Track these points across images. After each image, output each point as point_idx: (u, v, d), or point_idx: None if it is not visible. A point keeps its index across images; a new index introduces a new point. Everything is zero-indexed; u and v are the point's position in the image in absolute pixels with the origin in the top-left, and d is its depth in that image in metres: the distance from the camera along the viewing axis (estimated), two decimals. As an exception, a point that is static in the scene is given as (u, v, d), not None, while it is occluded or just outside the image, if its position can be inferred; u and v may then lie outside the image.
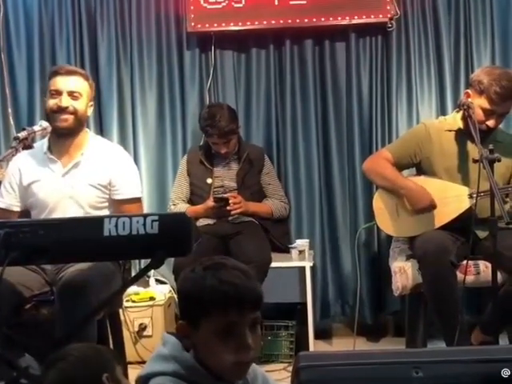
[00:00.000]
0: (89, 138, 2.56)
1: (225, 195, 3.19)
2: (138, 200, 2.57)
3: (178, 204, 3.32)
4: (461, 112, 2.78)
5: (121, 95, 3.55)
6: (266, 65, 3.53)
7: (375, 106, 3.46)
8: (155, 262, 1.78)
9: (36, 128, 2.22)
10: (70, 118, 2.44)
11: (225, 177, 3.31)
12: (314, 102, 3.51)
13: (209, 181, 3.29)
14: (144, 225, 1.72)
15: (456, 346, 2.34)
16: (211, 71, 3.53)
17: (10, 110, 3.50)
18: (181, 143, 3.58)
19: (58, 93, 2.44)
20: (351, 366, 1.67)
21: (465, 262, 2.54)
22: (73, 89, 2.46)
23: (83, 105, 2.48)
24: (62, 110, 2.42)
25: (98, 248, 1.74)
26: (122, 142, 3.49)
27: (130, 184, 2.54)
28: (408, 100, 3.47)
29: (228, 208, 3.12)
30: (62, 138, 2.48)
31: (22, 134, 2.08)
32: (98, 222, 1.72)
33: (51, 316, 2.26)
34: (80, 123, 2.49)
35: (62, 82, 2.45)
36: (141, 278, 1.93)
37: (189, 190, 3.35)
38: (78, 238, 1.72)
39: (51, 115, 2.44)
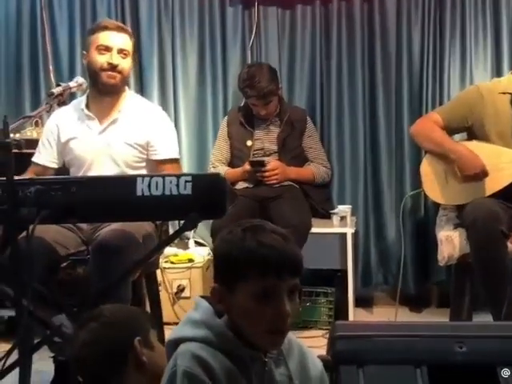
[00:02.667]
0: (127, 96, 2.51)
1: (261, 159, 3.11)
2: (176, 161, 2.52)
3: (218, 166, 3.26)
4: None
5: (162, 54, 3.48)
6: (312, 22, 3.39)
7: (426, 66, 3.29)
8: (188, 224, 1.73)
9: (71, 84, 2.16)
10: (118, 76, 2.39)
11: (265, 139, 3.22)
12: (361, 63, 3.37)
13: (249, 143, 3.21)
14: (177, 185, 1.67)
15: (503, 319, 2.24)
16: (254, 29, 3.42)
17: (51, 67, 3.49)
18: (221, 104, 3.50)
19: (108, 49, 2.38)
20: (389, 337, 1.60)
21: (516, 232, 2.41)
22: (123, 46, 2.40)
23: (129, 63, 2.44)
24: (112, 67, 2.37)
25: (129, 208, 1.70)
26: (163, 102, 3.44)
27: (169, 145, 2.49)
28: (461, 60, 3.28)
29: (264, 174, 3.04)
30: (102, 96, 2.43)
31: (57, 90, 2.03)
32: (131, 181, 1.68)
33: (86, 275, 2.25)
34: (125, 82, 2.47)
35: (113, 39, 2.39)
36: (174, 239, 1.89)
37: (229, 152, 3.28)
38: (109, 196, 1.69)
39: (99, 72, 2.39)
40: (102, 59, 2.38)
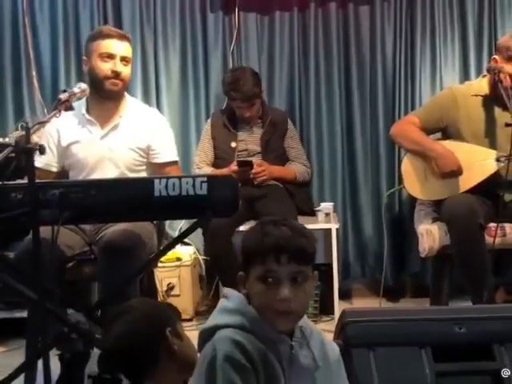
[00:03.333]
0: (127, 101, 2.57)
1: (248, 159, 3.22)
2: (175, 163, 2.60)
3: (203, 167, 3.35)
4: (487, 77, 2.81)
5: (144, 58, 3.54)
6: (290, 28, 3.53)
7: (399, 70, 3.48)
8: (203, 221, 1.84)
9: (76, 90, 2.21)
10: (120, 83, 2.45)
11: (249, 141, 3.33)
12: (338, 66, 3.52)
13: (233, 144, 3.31)
14: (193, 186, 1.77)
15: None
16: (234, 34, 3.53)
17: (34, 72, 3.50)
18: (204, 107, 3.59)
19: (111, 57, 2.43)
20: (396, 321, 1.75)
21: (491, 224, 2.60)
22: (125, 54, 2.46)
23: (130, 71, 2.51)
24: (116, 75, 2.42)
25: (148, 208, 1.79)
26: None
27: (169, 148, 2.58)
28: (432, 65, 3.49)
29: (252, 172, 3.15)
30: (104, 101, 2.49)
31: (64, 96, 2.08)
32: (149, 182, 1.77)
33: (92, 274, 2.32)
34: (126, 88, 2.53)
35: (116, 47, 2.44)
36: (187, 236, 1.98)
37: (213, 153, 3.37)
38: (129, 198, 1.77)
39: (102, 79, 2.43)
40: (105, 67, 2.43)
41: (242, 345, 1.33)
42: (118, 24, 3.48)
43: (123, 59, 2.46)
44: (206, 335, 1.41)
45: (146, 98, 3.53)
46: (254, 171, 3.14)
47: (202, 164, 3.37)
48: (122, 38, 2.47)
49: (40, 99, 3.51)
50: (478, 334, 1.70)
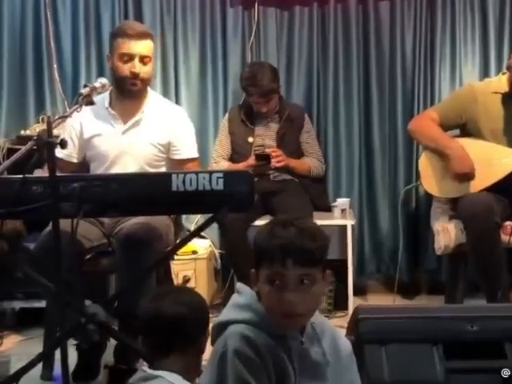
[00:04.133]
0: (150, 97, 2.58)
1: (266, 151, 3.23)
2: (195, 160, 2.61)
3: (220, 162, 3.38)
4: (506, 75, 2.80)
5: (164, 53, 3.57)
6: (309, 23, 3.53)
7: (418, 66, 3.47)
8: (219, 216, 1.87)
9: (97, 85, 2.24)
10: (140, 83, 2.45)
11: (265, 136, 3.35)
12: (357, 61, 3.52)
13: (250, 139, 3.33)
14: (210, 181, 1.80)
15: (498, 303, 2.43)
16: (254, 29, 3.54)
17: (55, 66, 3.55)
18: (222, 101, 3.62)
19: (130, 57, 2.43)
20: (408, 319, 1.77)
21: (507, 222, 2.60)
22: (144, 53, 2.45)
23: (151, 68, 2.50)
24: (135, 76, 2.43)
25: (166, 202, 1.83)
26: (165, 99, 3.53)
27: (189, 145, 2.59)
28: (451, 61, 3.47)
29: (271, 161, 3.15)
30: (126, 98, 2.51)
31: (86, 91, 2.12)
32: (167, 177, 1.81)
33: (110, 266, 2.36)
34: (147, 86, 2.52)
35: (134, 47, 2.43)
36: (203, 230, 2.01)
37: (230, 148, 3.40)
38: (147, 192, 1.81)
39: (122, 79, 2.45)
40: (124, 68, 2.44)
41: (252, 340, 1.35)
42: (139, 18, 3.52)
43: (142, 59, 2.45)
44: (218, 330, 1.43)
45: (165, 92, 3.56)
46: (273, 154, 3.15)
47: (220, 159, 3.40)
48: (142, 36, 2.45)
49: (61, 92, 3.56)
50: (489, 332, 1.71)
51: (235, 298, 1.48)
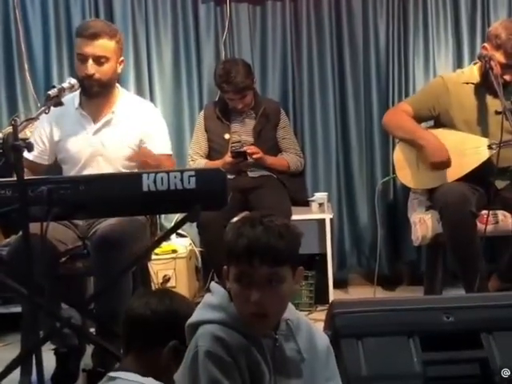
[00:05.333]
0: (119, 95, 2.55)
1: (242, 149, 3.22)
2: (168, 156, 2.56)
3: (197, 159, 3.36)
4: (478, 65, 2.81)
5: (136, 50, 3.54)
6: (282, 18, 3.52)
7: (392, 58, 3.47)
8: (192, 216, 1.85)
9: (65, 85, 2.21)
10: (95, 83, 2.40)
11: (242, 132, 3.34)
12: (331, 55, 3.51)
13: (226, 136, 3.31)
14: (181, 180, 1.78)
15: (476, 293, 2.44)
16: (226, 24, 3.52)
17: (26, 67, 3.50)
18: (197, 98, 3.59)
19: (84, 58, 2.39)
20: (384, 311, 1.76)
21: (483, 212, 2.61)
22: (99, 53, 2.39)
23: (110, 67, 2.43)
24: (88, 76, 2.39)
25: (137, 203, 1.81)
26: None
27: (161, 141, 2.54)
28: (425, 52, 3.48)
29: (247, 151, 3.14)
30: (93, 97, 2.47)
31: (53, 92, 2.09)
32: (137, 177, 1.78)
33: (86, 269, 2.34)
34: (108, 85, 2.46)
35: (87, 47, 2.38)
36: (177, 230, 1.99)
37: (207, 145, 3.38)
38: (118, 193, 1.79)
39: (81, 79, 2.39)
40: (81, 68, 2.41)
41: (223, 340, 1.34)
42: (109, 16, 3.49)
43: (98, 59, 2.39)
44: (191, 330, 1.42)
45: (139, 91, 3.53)
46: (249, 151, 3.14)
47: (196, 156, 3.38)
48: (95, 36, 2.38)
49: (33, 94, 3.52)
50: (465, 323, 1.72)
51: (207, 298, 1.46)
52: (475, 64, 2.86)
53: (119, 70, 2.52)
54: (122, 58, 2.51)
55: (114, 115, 2.49)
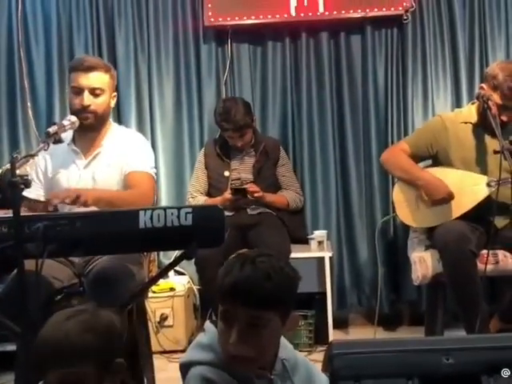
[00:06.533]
0: (111, 129, 2.55)
1: (242, 186, 3.23)
2: (146, 174, 2.47)
3: (197, 197, 3.37)
4: (476, 104, 2.83)
5: (138, 89, 3.59)
6: (282, 58, 3.58)
7: (391, 98, 3.51)
8: (189, 253, 1.83)
9: (65, 122, 2.23)
10: (91, 115, 2.42)
11: (241, 169, 3.35)
12: (330, 95, 3.55)
13: (226, 173, 3.33)
14: (178, 217, 1.76)
15: (477, 333, 2.39)
16: (227, 64, 3.57)
17: (29, 104, 3.55)
18: (198, 136, 3.62)
19: (80, 90, 2.42)
20: (383, 353, 1.72)
21: (483, 251, 2.59)
22: (94, 85, 2.42)
23: (105, 100, 2.46)
24: (84, 108, 2.41)
25: (133, 240, 1.78)
26: (140, 135, 3.53)
27: (139, 159, 2.48)
28: (423, 92, 3.51)
29: (248, 190, 3.15)
30: (85, 132, 2.48)
31: (53, 129, 2.10)
32: (134, 214, 1.77)
33: (81, 307, 2.30)
34: (103, 118, 2.48)
35: (83, 79, 2.42)
36: (174, 267, 1.97)
37: (207, 182, 3.39)
38: (114, 230, 1.76)
39: (75, 113, 2.41)
40: (75, 101, 2.42)
41: (213, 382, 1.32)
42: (112, 55, 3.55)
43: (93, 91, 2.42)
44: (184, 370, 1.40)
45: (141, 128, 3.57)
46: (249, 189, 3.14)
47: (196, 193, 3.39)
48: (91, 69, 2.42)
49: (35, 131, 3.56)
50: (465, 365, 1.66)
51: (199, 337, 1.45)
52: (473, 104, 2.89)
53: (112, 105, 2.54)
54: (114, 94, 2.54)
55: (102, 149, 2.49)
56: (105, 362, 1.29)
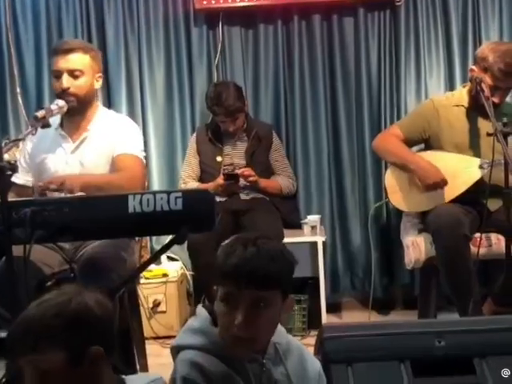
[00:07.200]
0: (98, 112, 2.51)
1: (234, 172, 3.21)
2: (135, 157, 2.43)
3: (189, 182, 3.34)
4: (467, 87, 2.82)
5: (129, 74, 3.54)
6: (274, 41, 3.53)
7: (384, 81, 3.48)
8: (179, 238, 1.81)
9: (53, 107, 2.21)
10: (73, 97, 2.38)
11: (234, 154, 3.33)
12: (323, 78, 3.52)
13: (218, 159, 3.30)
14: (168, 201, 1.74)
15: (470, 316, 2.40)
16: (219, 48, 3.53)
17: (18, 90, 3.50)
18: (189, 121, 3.59)
19: (59, 73, 2.39)
20: (374, 336, 1.72)
21: (476, 235, 2.58)
22: (73, 67, 2.38)
23: (86, 82, 2.42)
24: (63, 91, 2.37)
25: (123, 225, 1.76)
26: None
27: (128, 142, 2.44)
28: (416, 75, 3.49)
29: (240, 173, 3.13)
30: (72, 115, 2.44)
31: (40, 113, 2.07)
32: (123, 199, 1.75)
33: (72, 293, 2.28)
34: (86, 100, 2.44)
35: (61, 62, 2.39)
36: (164, 253, 1.96)
37: (199, 168, 3.37)
38: (103, 215, 1.75)
39: (58, 96, 2.39)
40: (56, 84, 2.40)
41: (201, 367, 1.31)
42: (102, 39, 3.51)
43: (72, 72, 2.39)
44: (174, 353, 1.40)
45: (132, 114, 3.53)
46: (242, 173, 3.12)
47: (189, 179, 3.36)
48: (68, 51, 2.39)
49: (25, 116, 3.51)
50: (458, 348, 1.67)
51: (190, 321, 1.44)
52: (465, 87, 2.87)
53: (97, 86, 2.50)
54: (99, 74, 2.50)
55: (89, 133, 2.46)
56: (76, 348, 1.21)
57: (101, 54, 2.58)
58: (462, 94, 2.85)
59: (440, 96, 3.10)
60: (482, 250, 2.60)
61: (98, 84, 2.51)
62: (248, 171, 3.16)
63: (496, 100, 2.64)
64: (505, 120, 2.30)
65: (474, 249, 2.54)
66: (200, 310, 1.44)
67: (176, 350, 1.39)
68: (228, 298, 1.31)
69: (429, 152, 2.84)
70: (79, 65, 2.41)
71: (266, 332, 1.36)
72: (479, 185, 2.63)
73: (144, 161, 2.51)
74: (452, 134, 2.79)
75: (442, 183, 2.69)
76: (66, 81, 2.38)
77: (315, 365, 1.50)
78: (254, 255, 1.31)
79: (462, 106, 2.81)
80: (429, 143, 2.88)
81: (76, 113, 2.44)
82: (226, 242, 1.40)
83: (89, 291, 1.33)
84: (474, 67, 2.71)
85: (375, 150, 3.00)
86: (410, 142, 2.88)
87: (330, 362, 1.65)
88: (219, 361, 1.32)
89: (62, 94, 2.38)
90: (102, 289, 2.02)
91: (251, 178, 3.15)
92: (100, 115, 2.52)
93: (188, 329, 1.42)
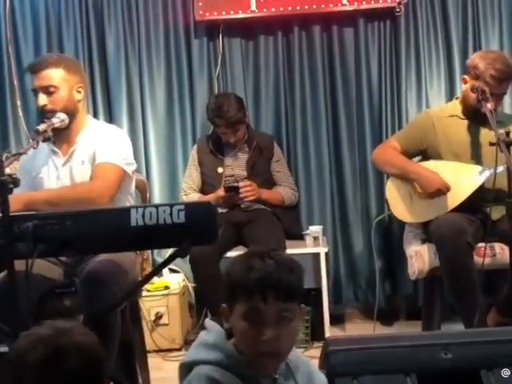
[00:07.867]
0: (86, 123, 2.48)
1: (235, 184, 3.20)
2: (110, 165, 2.35)
3: (190, 194, 3.34)
4: (459, 99, 2.85)
5: (130, 86, 3.55)
6: (274, 52, 3.53)
7: (385, 91, 3.47)
8: (182, 251, 1.80)
9: (54, 120, 2.21)
10: (51, 114, 2.33)
11: (235, 166, 3.32)
12: (323, 89, 3.52)
13: (219, 170, 3.30)
14: (171, 214, 1.73)
15: (475, 327, 2.38)
16: (219, 59, 3.53)
17: (19, 103, 3.50)
18: (190, 132, 3.59)
19: (35, 92, 2.38)
20: (380, 349, 1.70)
21: (480, 244, 2.57)
22: (45, 83, 2.35)
23: (63, 95, 2.37)
24: (41, 108, 2.36)
25: (125, 238, 1.75)
26: (132, 133, 3.50)
27: (107, 150, 2.38)
28: (417, 85, 3.48)
29: (240, 196, 3.13)
30: (59, 130, 2.38)
31: (42, 127, 2.07)
32: (125, 212, 1.74)
33: (74, 307, 2.27)
34: (68, 113, 2.37)
35: (34, 80, 2.37)
36: (167, 266, 1.94)
37: (200, 179, 3.36)
38: (105, 228, 1.74)
39: (40, 114, 2.39)
40: (36, 103, 2.40)
41: (217, 382, 1.28)
42: (102, 51, 3.52)
43: (46, 89, 2.35)
44: (185, 370, 1.37)
45: (132, 125, 3.54)
46: (242, 189, 3.12)
47: (190, 190, 3.36)
48: (39, 68, 2.34)
49: (25, 129, 3.51)
50: (464, 360, 1.65)
51: (203, 336, 1.41)
52: (457, 99, 2.91)
53: (78, 97, 2.43)
54: (79, 85, 2.43)
55: (77, 145, 2.43)
56: None
57: (79, 64, 2.54)
58: (454, 104, 2.89)
59: (434, 109, 3.13)
60: (487, 260, 2.58)
61: (80, 95, 2.44)
62: (247, 186, 3.15)
63: (490, 107, 2.64)
64: (508, 129, 2.30)
65: (478, 259, 2.52)
66: (211, 324, 1.42)
67: (187, 367, 1.36)
68: (252, 315, 1.28)
69: (428, 162, 2.84)
70: (51, 80, 2.36)
71: (291, 345, 1.35)
72: (481, 192, 2.63)
73: (126, 169, 2.41)
74: (448, 145, 2.80)
75: (444, 189, 2.68)
76: (41, 99, 2.36)
77: (322, 379, 1.49)
78: (274, 268, 1.30)
79: (456, 116, 2.83)
80: (426, 154, 2.88)
81: (62, 128, 2.39)
82: (232, 257, 1.39)
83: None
84: (465, 76, 2.74)
85: (374, 163, 3.01)
86: (407, 154, 2.88)
87: (335, 376, 1.63)
88: (235, 376, 1.30)
89: (42, 111, 2.37)
90: (104, 303, 2.03)
91: (251, 198, 3.15)
92: (88, 126, 2.49)
93: (202, 344, 1.39)
